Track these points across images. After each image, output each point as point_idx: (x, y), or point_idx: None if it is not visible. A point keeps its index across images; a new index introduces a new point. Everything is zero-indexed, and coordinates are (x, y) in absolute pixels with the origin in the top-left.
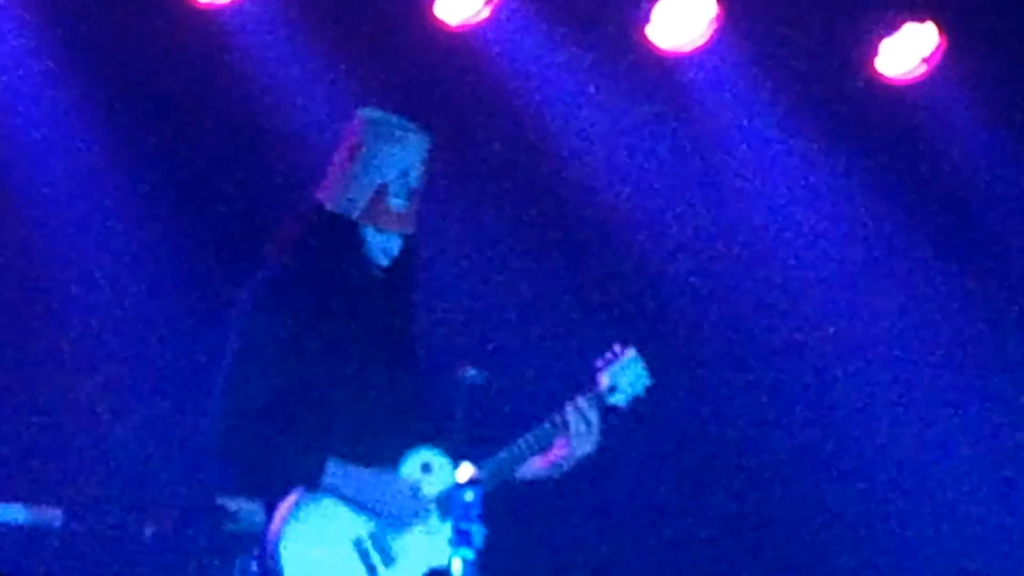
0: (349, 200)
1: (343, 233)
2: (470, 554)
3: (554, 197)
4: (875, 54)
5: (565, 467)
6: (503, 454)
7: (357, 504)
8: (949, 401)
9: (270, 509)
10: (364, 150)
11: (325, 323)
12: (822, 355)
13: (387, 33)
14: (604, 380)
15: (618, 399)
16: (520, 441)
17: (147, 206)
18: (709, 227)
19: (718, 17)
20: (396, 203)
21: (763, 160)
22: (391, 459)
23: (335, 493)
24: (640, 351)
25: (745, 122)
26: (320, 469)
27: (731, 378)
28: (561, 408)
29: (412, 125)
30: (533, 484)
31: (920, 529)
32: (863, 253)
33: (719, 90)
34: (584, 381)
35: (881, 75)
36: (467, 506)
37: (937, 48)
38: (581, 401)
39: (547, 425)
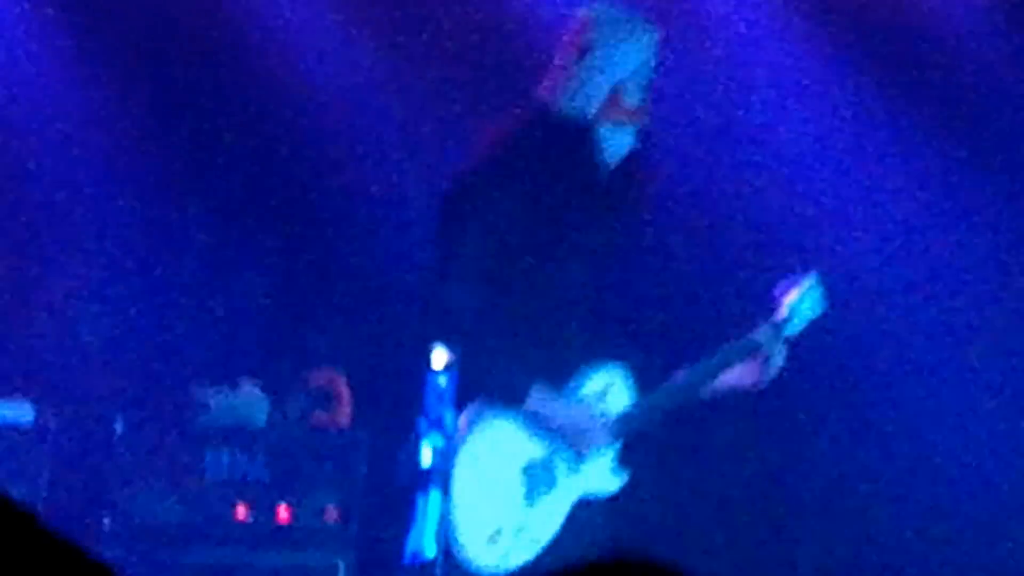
0: (583, 100)
1: (577, 136)
2: (441, 441)
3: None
4: None
5: (743, 391)
6: (677, 381)
7: (542, 429)
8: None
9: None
10: (597, 48)
11: (538, 226)
12: (839, 272)
13: None
14: (783, 310)
15: (794, 328)
16: (701, 364)
17: (126, 113)
18: (724, 138)
19: None
20: (633, 98)
21: (775, 71)
22: (577, 373)
23: (523, 416)
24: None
25: (756, 33)
26: (525, 391)
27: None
28: (743, 335)
29: (642, 18)
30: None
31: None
32: (879, 162)
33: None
34: (764, 308)
35: None
36: (440, 392)
37: None
38: (764, 327)
39: (728, 349)
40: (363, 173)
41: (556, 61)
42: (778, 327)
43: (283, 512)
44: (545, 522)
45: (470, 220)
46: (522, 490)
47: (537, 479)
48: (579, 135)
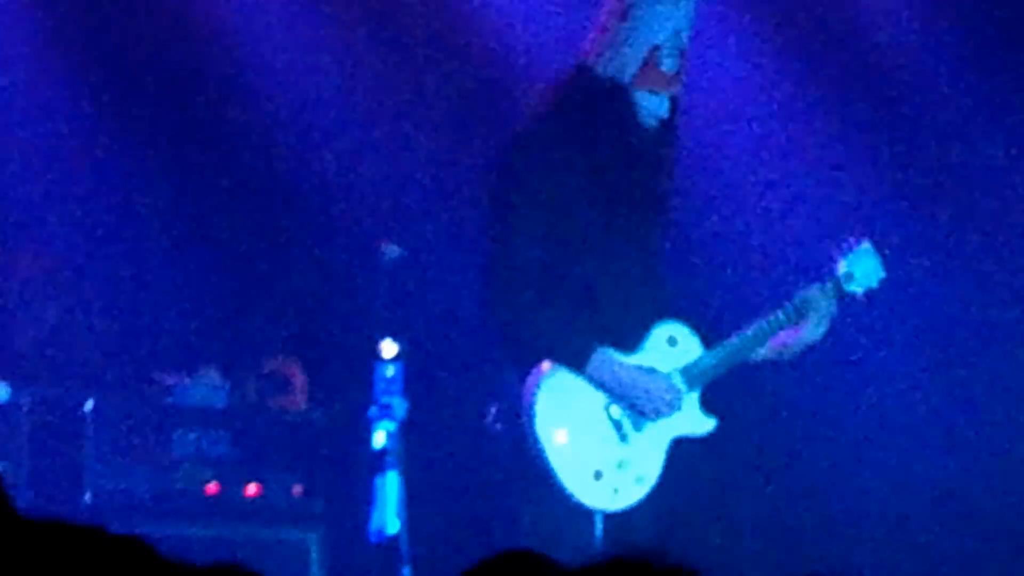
0: (621, 63)
1: (615, 97)
2: (392, 426)
3: (480, 83)
4: None
5: (795, 351)
6: (744, 334)
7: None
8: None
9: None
10: (637, 11)
11: (586, 185)
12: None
13: None
14: (842, 266)
15: (855, 288)
16: (761, 322)
17: (91, 105)
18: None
19: None
20: (669, 64)
21: (703, 58)
22: (641, 329)
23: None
24: None
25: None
26: (586, 357)
27: None
28: (798, 291)
29: None
30: (761, 368)
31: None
32: (800, 150)
33: None
34: (821, 267)
35: None
36: (389, 381)
37: None
38: (820, 285)
39: (787, 307)
40: (317, 166)
41: (599, 22)
42: (837, 283)
43: (252, 488)
44: (646, 458)
45: (525, 178)
46: (610, 427)
47: (622, 416)
48: (616, 98)
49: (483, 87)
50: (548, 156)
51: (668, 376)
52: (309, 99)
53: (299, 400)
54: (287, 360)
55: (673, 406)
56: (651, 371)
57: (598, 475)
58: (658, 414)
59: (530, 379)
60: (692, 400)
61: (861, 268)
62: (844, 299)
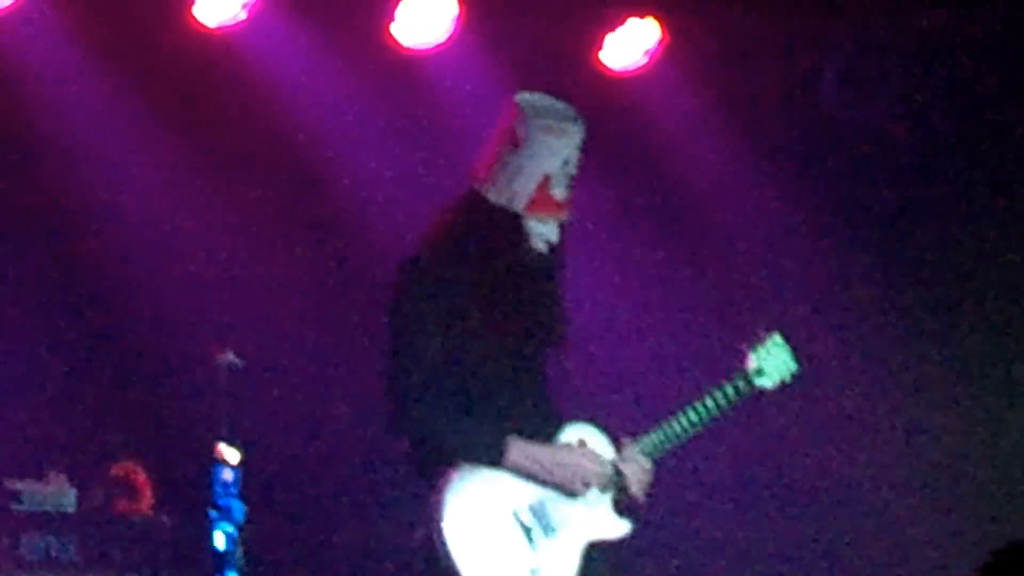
0: (513, 192)
1: (507, 225)
2: (231, 528)
3: (306, 191)
4: (599, 47)
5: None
6: (651, 436)
7: (536, 480)
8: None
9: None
10: (527, 144)
11: (482, 306)
12: None
13: (145, 34)
14: (751, 362)
15: (765, 382)
16: (681, 418)
17: None
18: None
19: (460, 15)
20: (559, 192)
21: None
22: (550, 432)
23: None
24: None
25: (484, 117)
26: (501, 450)
27: None
28: (712, 389)
29: (570, 113)
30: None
31: None
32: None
33: (460, 87)
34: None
35: (605, 67)
36: (227, 485)
37: (658, 42)
38: (730, 382)
39: (707, 401)
40: (157, 276)
41: (489, 149)
42: (746, 378)
43: None
44: (557, 566)
45: (421, 298)
46: (519, 534)
47: (532, 522)
48: (510, 225)
49: (319, 204)
50: (443, 275)
51: (593, 454)
52: (151, 210)
53: (145, 504)
54: (132, 465)
55: (602, 475)
56: (570, 448)
57: None
58: (588, 484)
59: (437, 487)
60: (605, 502)
61: (772, 362)
62: (756, 394)
